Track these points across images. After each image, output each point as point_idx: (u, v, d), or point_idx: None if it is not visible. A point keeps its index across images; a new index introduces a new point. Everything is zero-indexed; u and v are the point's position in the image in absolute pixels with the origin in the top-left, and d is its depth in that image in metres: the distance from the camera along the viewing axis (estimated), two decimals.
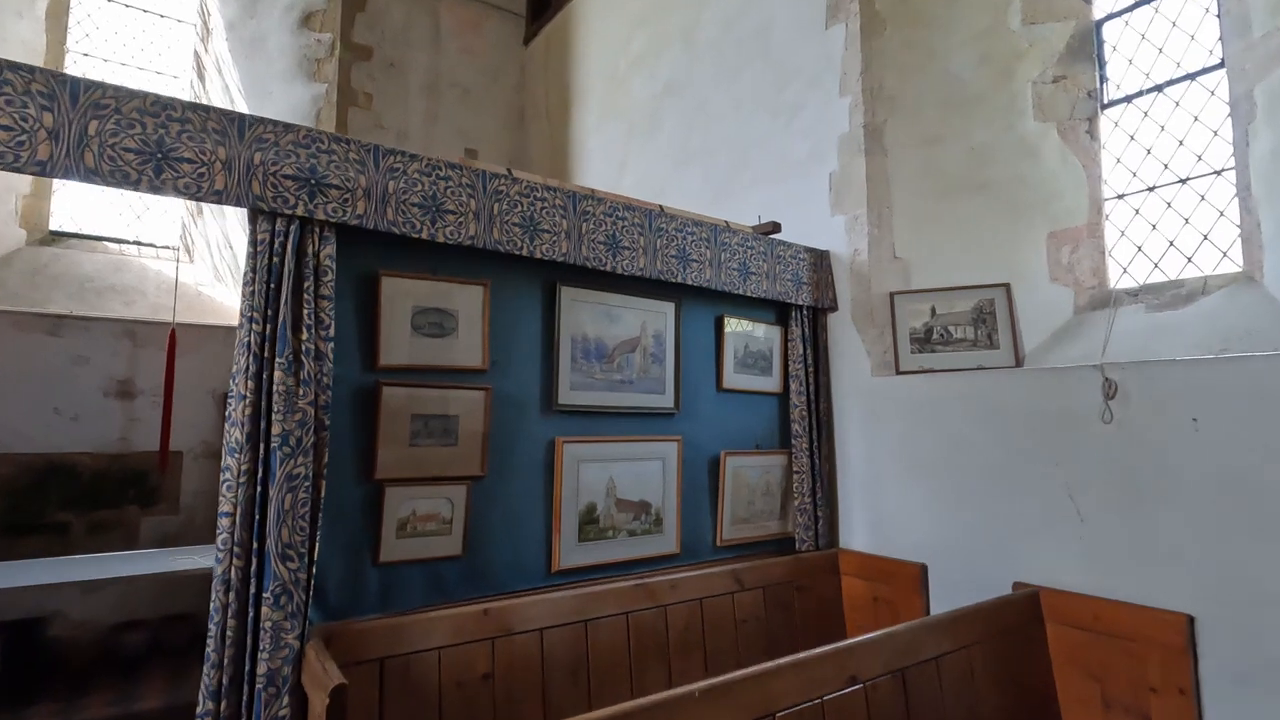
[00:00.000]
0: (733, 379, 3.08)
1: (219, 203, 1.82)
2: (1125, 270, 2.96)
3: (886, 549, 3.04)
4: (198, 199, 1.80)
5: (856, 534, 3.20)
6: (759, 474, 3.12)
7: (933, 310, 3.12)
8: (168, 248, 5.25)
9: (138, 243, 5.26)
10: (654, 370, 2.80)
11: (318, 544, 1.89)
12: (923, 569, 2.89)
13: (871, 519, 3.13)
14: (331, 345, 1.96)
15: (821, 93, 3.49)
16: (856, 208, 3.27)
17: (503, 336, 2.43)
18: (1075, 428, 2.44)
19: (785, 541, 3.20)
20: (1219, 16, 2.71)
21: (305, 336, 1.90)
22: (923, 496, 2.91)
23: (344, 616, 2.05)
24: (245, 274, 1.89)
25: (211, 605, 1.78)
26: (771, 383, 3.23)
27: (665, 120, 4.65)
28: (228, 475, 1.83)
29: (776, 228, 3.27)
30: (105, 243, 5.13)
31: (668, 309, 2.86)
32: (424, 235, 2.14)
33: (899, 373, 3.09)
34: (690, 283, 2.81)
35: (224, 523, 1.81)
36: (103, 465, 4.50)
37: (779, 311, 3.30)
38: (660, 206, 2.80)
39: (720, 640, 2.71)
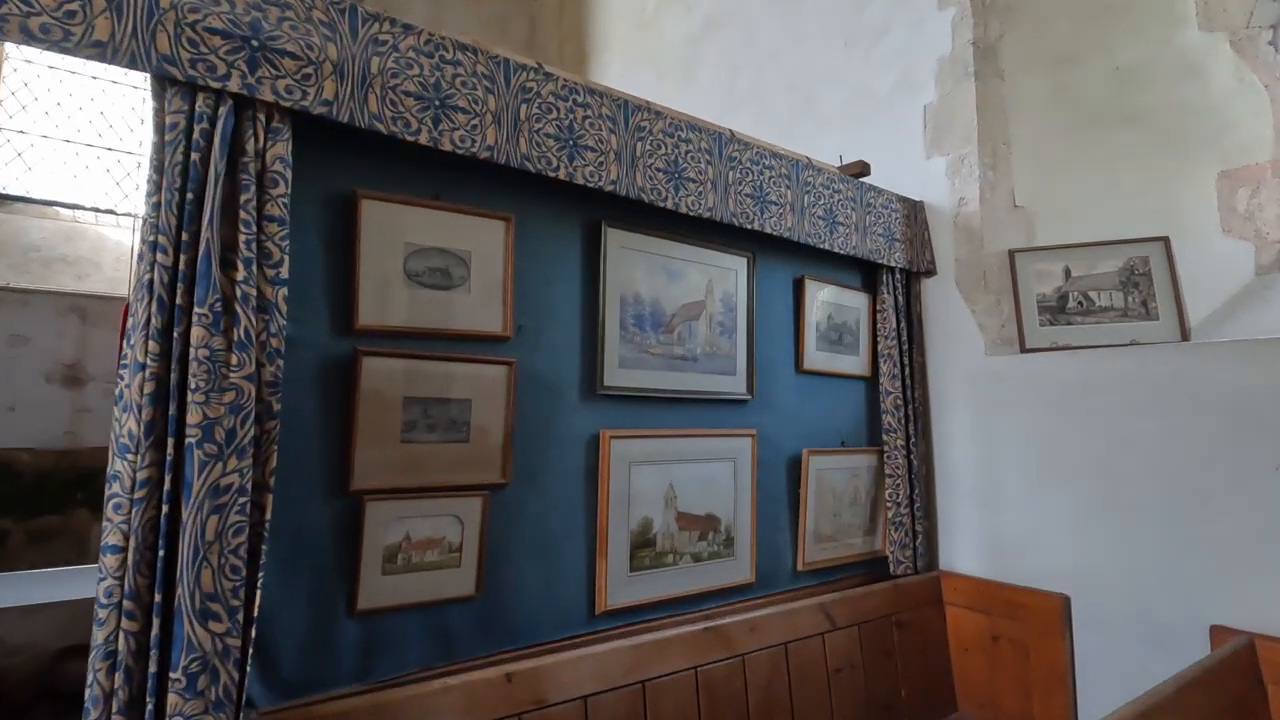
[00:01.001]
0: (814, 358, 2.42)
1: (102, 61, 1.16)
2: None
3: (1010, 574, 2.39)
4: (65, 52, 1.14)
5: (962, 554, 2.55)
6: (846, 478, 2.47)
7: (1066, 272, 2.46)
8: (128, 215, 4.58)
9: (95, 209, 4.59)
10: (723, 345, 2.15)
11: (259, 591, 1.24)
12: (1065, 602, 2.24)
13: (987, 536, 2.48)
14: (283, 293, 1.30)
15: (912, 9, 2.82)
16: (963, 145, 2.61)
17: (531, 292, 1.77)
18: None
19: (876, 563, 2.56)
20: None
21: (241, 276, 1.25)
22: (1065, 509, 2.26)
23: (306, 693, 1.40)
24: (148, 178, 1.23)
25: (87, 694, 1.13)
26: (858, 363, 2.58)
27: (705, 62, 3.99)
28: (116, 489, 1.17)
29: (865, 169, 2.62)
30: (56, 208, 4.47)
31: (739, 265, 2.21)
32: (423, 139, 1.49)
33: (1025, 350, 2.43)
34: (769, 230, 2.16)
35: (108, 563, 1.15)
36: (47, 463, 3.84)
37: (866, 274, 2.65)
38: (730, 131, 2.15)
39: (810, 697, 2.07)
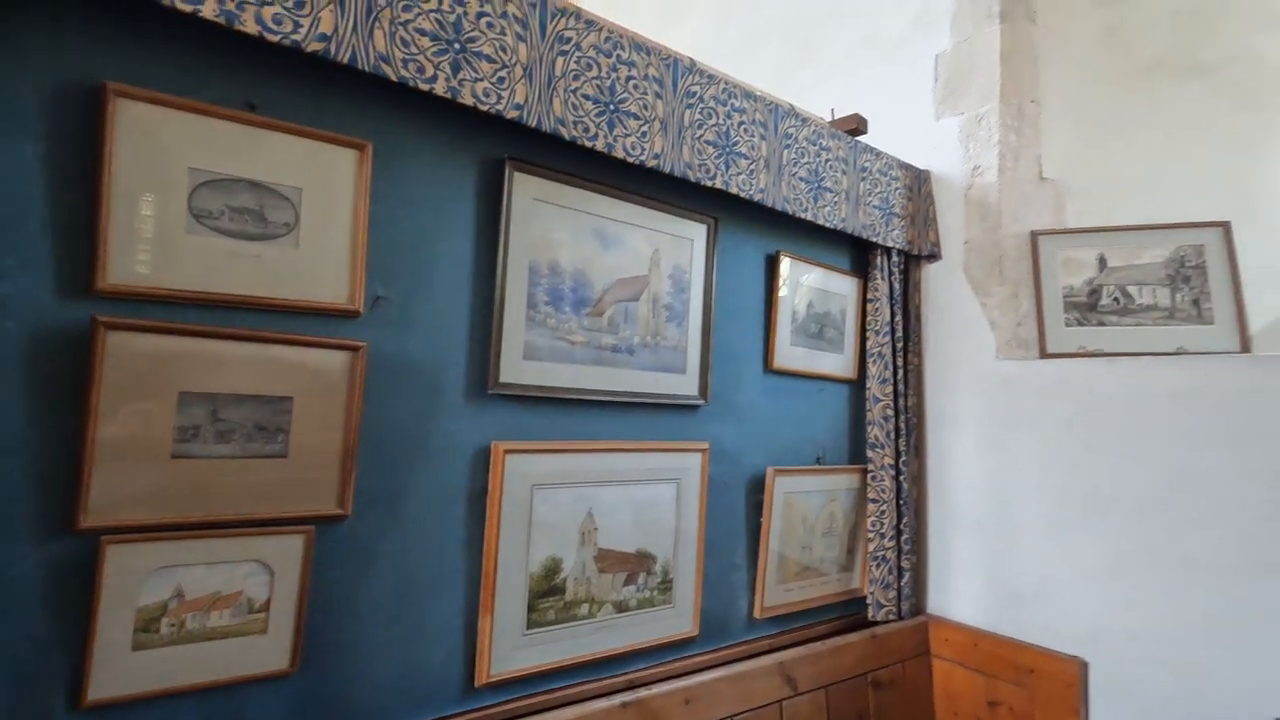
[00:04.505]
0: (788, 355, 1.96)
1: None
2: None
3: (1016, 628, 1.96)
4: None
5: (958, 597, 2.11)
6: (821, 503, 2.02)
7: (1101, 261, 2.01)
8: None
9: None
10: (669, 333, 1.68)
11: None
12: (1082, 668, 1.81)
13: (989, 578, 2.04)
14: None
15: None
16: (982, 103, 2.14)
17: (398, 251, 1.29)
18: None
19: (853, 605, 2.12)
20: None
21: None
22: (1091, 554, 1.82)
23: None
24: None
25: None
26: (842, 363, 2.13)
27: (688, 10, 3.48)
28: None
29: (862, 125, 2.14)
30: None
31: (696, 233, 1.74)
32: (208, 11, 1.00)
33: (1046, 355, 1.98)
34: (735, 190, 1.69)
35: None
36: None
37: (856, 254, 2.18)
38: (691, 59, 1.66)
39: None
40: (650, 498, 1.63)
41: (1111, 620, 1.77)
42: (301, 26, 1.08)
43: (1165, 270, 1.95)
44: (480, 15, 1.28)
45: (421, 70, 1.20)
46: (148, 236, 1.04)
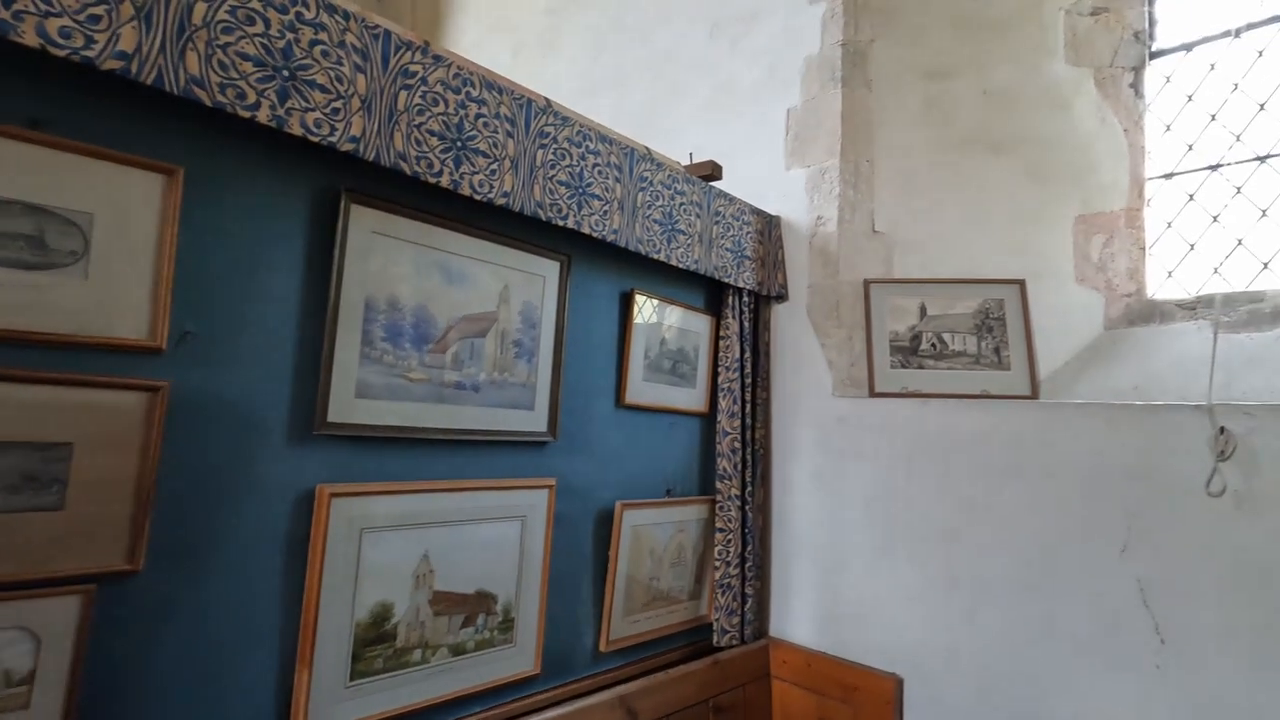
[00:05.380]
0: (641, 390, 2.02)
1: None
2: (1170, 275, 2.21)
3: (845, 648, 2.10)
4: None
5: (797, 620, 2.24)
6: (670, 534, 2.08)
7: (922, 309, 2.22)
8: None
9: None
10: (518, 370, 1.68)
11: None
12: (897, 685, 1.97)
13: (823, 602, 2.18)
14: None
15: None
16: (825, 158, 2.32)
17: (215, 283, 1.21)
18: (1156, 500, 1.60)
19: (700, 631, 2.19)
20: None
21: None
22: (907, 578, 1.99)
23: None
24: None
25: None
26: (695, 398, 2.21)
27: (566, 37, 3.52)
28: None
29: (716, 171, 2.25)
30: None
31: (549, 270, 1.75)
32: None
33: (875, 394, 2.16)
34: (588, 230, 1.72)
35: None
36: None
37: (710, 294, 2.28)
38: (546, 100, 1.69)
39: None
40: (492, 536, 1.61)
41: (923, 639, 1.95)
42: (95, 42, 0.99)
43: (974, 320, 2.19)
44: (314, 43, 1.23)
45: (243, 96, 1.14)
46: None
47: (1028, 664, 1.76)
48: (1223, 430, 1.51)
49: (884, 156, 2.31)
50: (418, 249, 1.48)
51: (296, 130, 1.20)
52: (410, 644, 1.45)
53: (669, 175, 1.97)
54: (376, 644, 1.40)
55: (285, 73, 1.19)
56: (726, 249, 2.17)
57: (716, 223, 2.14)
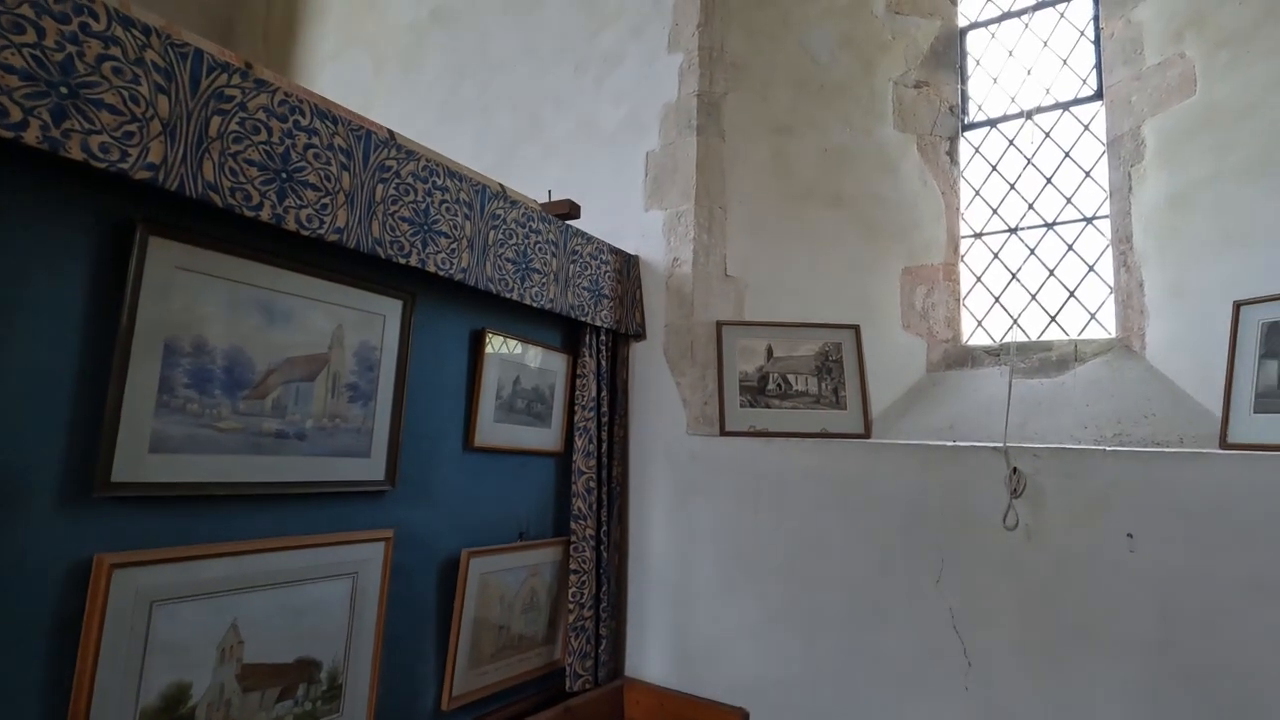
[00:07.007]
0: (492, 431, 1.96)
1: None
2: (980, 324, 2.47)
3: (696, 684, 2.13)
4: None
5: (652, 659, 2.25)
6: (521, 579, 2.03)
7: (769, 351, 2.33)
8: None
9: None
10: (351, 415, 1.57)
11: None
12: (743, 718, 2.02)
13: (676, 640, 2.20)
14: None
15: (645, 45, 2.58)
16: (681, 202, 2.39)
17: None
18: (964, 533, 1.76)
19: (554, 676, 2.14)
20: (1095, 43, 2.34)
21: None
22: (751, 613, 2.06)
23: None
24: None
25: None
26: (550, 437, 2.18)
27: (429, 58, 3.42)
28: None
29: (574, 210, 2.25)
30: None
31: (390, 309, 1.66)
32: None
33: (724, 433, 2.23)
34: (432, 269, 1.66)
35: None
36: None
37: (567, 332, 2.27)
38: (390, 132, 1.61)
39: None
40: (317, 597, 1.48)
41: (766, 671, 2.01)
42: None
43: (815, 362, 2.33)
44: (103, 59, 1.10)
45: (4, 113, 0.99)
46: None
47: (857, 693, 1.87)
48: (1015, 470, 1.69)
49: (736, 203, 2.42)
50: (233, 286, 1.35)
51: (76, 154, 1.06)
52: None
53: (524, 213, 1.95)
54: None
55: (64, 89, 1.05)
56: (584, 287, 2.17)
57: (574, 261, 2.13)
